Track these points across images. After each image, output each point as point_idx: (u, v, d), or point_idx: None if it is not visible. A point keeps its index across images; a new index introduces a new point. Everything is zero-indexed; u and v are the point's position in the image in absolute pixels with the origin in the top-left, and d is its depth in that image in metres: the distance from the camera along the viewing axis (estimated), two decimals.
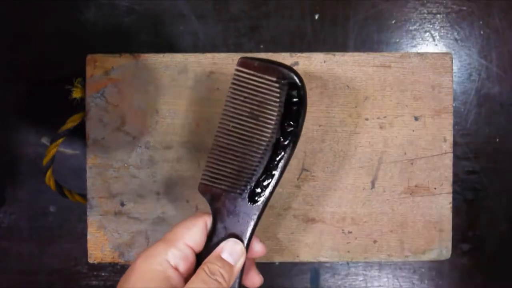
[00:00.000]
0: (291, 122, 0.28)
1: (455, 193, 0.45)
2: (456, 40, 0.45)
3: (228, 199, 0.28)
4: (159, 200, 0.37)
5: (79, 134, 0.39)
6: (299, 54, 0.37)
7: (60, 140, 0.37)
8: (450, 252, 0.38)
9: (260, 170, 0.28)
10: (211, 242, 0.28)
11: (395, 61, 0.38)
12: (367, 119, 0.38)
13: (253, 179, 0.28)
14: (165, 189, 0.37)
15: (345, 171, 0.37)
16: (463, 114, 0.45)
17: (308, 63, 0.37)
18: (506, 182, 0.46)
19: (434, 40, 0.45)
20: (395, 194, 0.37)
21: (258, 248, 0.30)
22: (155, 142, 0.37)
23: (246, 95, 0.28)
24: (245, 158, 0.28)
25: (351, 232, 0.38)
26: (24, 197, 0.46)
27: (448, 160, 0.38)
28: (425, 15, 0.45)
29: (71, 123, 0.37)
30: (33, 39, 0.46)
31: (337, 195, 0.37)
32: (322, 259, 0.38)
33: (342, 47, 0.45)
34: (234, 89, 0.29)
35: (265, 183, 0.28)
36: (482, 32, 0.45)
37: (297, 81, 0.28)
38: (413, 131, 0.37)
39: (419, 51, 0.45)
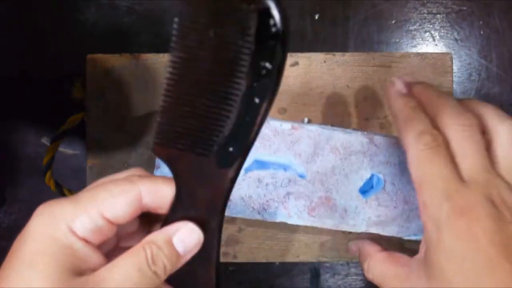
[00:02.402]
0: (266, 64, 0.20)
1: None
2: (456, 40, 0.45)
3: (192, 161, 0.22)
4: None
5: (79, 134, 0.39)
6: (299, 54, 0.37)
7: (60, 140, 0.37)
8: None
9: (229, 126, 0.21)
10: (174, 212, 0.23)
11: (395, 61, 0.38)
12: (367, 119, 0.38)
13: (220, 137, 0.21)
14: None
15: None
16: None
17: (308, 63, 0.37)
18: None
19: (434, 40, 0.45)
20: None
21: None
22: None
23: (199, 29, 0.20)
24: (206, 110, 0.21)
25: (351, 232, 0.38)
26: (24, 197, 0.46)
27: None
28: (425, 15, 0.45)
29: (71, 123, 0.37)
30: (33, 39, 0.46)
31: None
32: (322, 259, 0.38)
33: (342, 47, 0.45)
34: (183, 23, 0.21)
35: (238, 141, 0.22)
36: (482, 32, 0.45)
37: (271, 6, 0.19)
38: None
39: (419, 51, 0.45)
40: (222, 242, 0.38)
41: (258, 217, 0.36)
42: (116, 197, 0.21)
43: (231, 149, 0.22)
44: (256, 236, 0.38)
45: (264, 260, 0.38)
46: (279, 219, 0.36)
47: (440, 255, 0.23)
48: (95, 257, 0.21)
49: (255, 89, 0.21)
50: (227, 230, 0.38)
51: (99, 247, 0.21)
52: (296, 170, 0.35)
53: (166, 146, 0.22)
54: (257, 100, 0.21)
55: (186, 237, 0.22)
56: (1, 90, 0.46)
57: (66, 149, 0.46)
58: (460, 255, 0.22)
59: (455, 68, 0.44)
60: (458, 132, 0.24)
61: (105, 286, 0.19)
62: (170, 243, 0.22)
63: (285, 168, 0.35)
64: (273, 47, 0.20)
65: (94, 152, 0.37)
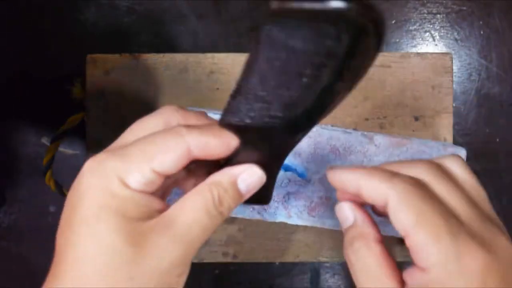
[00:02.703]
0: (350, 72, 0.20)
1: None
2: (456, 40, 0.45)
3: (261, 131, 0.22)
4: None
5: (79, 134, 0.39)
6: None
7: (60, 140, 0.37)
8: None
9: (301, 109, 0.21)
10: (237, 155, 0.23)
11: (395, 61, 0.38)
12: (367, 119, 0.38)
13: (292, 115, 0.21)
14: None
15: None
16: (463, 114, 0.45)
17: None
18: (506, 182, 0.46)
19: (434, 40, 0.45)
20: None
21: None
22: None
23: (289, 33, 0.18)
24: (283, 95, 0.21)
25: None
26: (24, 197, 0.46)
27: None
28: (425, 15, 0.45)
29: (71, 123, 0.37)
30: (33, 39, 0.46)
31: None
32: (322, 259, 0.38)
33: None
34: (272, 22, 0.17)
35: (308, 120, 0.22)
36: (482, 32, 0.45)
37: (370, 26, 0.17)
38: (413, 131, 0.37)
39: (419, 51, 0.45)
40: (222, 242, 0.38)
41: (258, 217, 0.36)
42: (166, 152, 0.21)
43: (300, 124, 0.22)
44: (256, 236, 0.38)
45: (264, 260, 0.38)
46: (279, 219, 0.36)
47: None
48: (154, 202, 0.21)
49: (334, 86, 0.20)
50: (227, 230, 0.38)
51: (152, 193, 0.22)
52: (296, 170, 0.35)
53: (236, 121, 0.22)
54: (333, 94, 0.21)
55: (249, 179, 0.23)
56: (1, 90, 0.46)
57: (66, 149, 0.46)
58: None
59: (455, 68, 0.44)
60: (430, 173, 0.22)
61: (175, 227, 0.20)
62: (235, 185, 0.22)
63: (285, 168, 0.35)
64: (361, 62, 0.19)
65: (94, 152, 0.37)
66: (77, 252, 0.20)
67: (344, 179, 0.23)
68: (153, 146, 0.21)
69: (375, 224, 0.24)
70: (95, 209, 0.20)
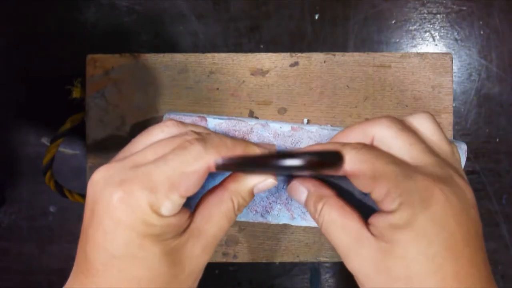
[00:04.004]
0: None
1: None
2: (456, 40, 0.45)
3: None
4: None
5: (79, 134, 0.39)
6: (299, 54, 0.37)
7: (60, 140, 0.37)
8: None
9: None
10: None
11: (395, 61, 0.38)
12: (367, 119, 0.38)
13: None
14: None
15: None
16: (463, 114, 0.45)
17: (308, 63, 0.37)
18: (506, 182, 0.46)
19: (434, 40, 0.45)
20: None
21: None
22: None
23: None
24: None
25: None
26: (24, 197, 0.46)
27: None
28: (425, 15, 0.45)
29: (71, 123, 0.37)
30: (33, 39, 0.46)
31: None
32: (322, 259, 0.38)
33: (342, 47, 0.45)
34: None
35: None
36: (482, 32, 0.45)
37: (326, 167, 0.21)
38: None
39: (419, 51, 0.45)
40: (222, 242, 0.38)
41: (262, 220, 0.36)
42: (191, 178, 0.23)
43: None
44: (256, 236, 0.38)
45: (264, 260, 0.38)
46: (283, 221, 0.36)
47: (408, 236, 0.21)
48: (182, 215, 0.24)
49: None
50: (227, 230, 0.38)
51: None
52: None
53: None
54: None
55: (263, 186, 0.26)
56: (1, 90, 0.46)
57: (66, 149, 0.46)
58: (430, 238, 0.21)
59: (455, 68, 0.44)
60: (388, 129, 0.24)
61: (204, 237, 0.24)
62: (251, 193, 0.26)
63: None
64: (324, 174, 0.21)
65: (94, 152, 0.37)
66: (122, 273, 0.22)
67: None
68: (178, 174, 0.23)
69: (327, 185, 0.26)
70: (138, 239, 0.22)
